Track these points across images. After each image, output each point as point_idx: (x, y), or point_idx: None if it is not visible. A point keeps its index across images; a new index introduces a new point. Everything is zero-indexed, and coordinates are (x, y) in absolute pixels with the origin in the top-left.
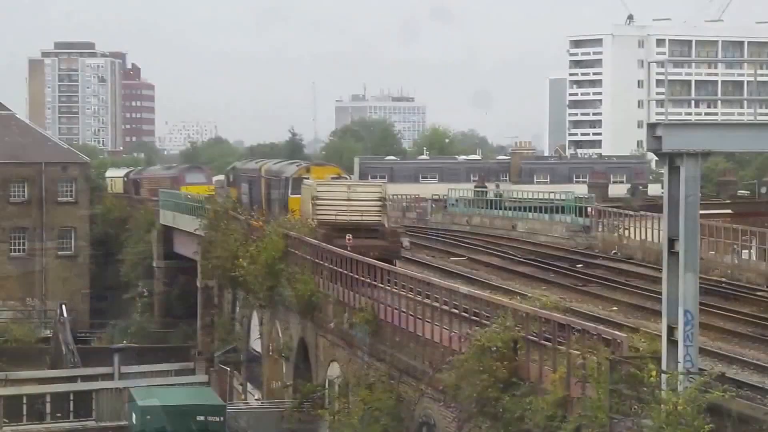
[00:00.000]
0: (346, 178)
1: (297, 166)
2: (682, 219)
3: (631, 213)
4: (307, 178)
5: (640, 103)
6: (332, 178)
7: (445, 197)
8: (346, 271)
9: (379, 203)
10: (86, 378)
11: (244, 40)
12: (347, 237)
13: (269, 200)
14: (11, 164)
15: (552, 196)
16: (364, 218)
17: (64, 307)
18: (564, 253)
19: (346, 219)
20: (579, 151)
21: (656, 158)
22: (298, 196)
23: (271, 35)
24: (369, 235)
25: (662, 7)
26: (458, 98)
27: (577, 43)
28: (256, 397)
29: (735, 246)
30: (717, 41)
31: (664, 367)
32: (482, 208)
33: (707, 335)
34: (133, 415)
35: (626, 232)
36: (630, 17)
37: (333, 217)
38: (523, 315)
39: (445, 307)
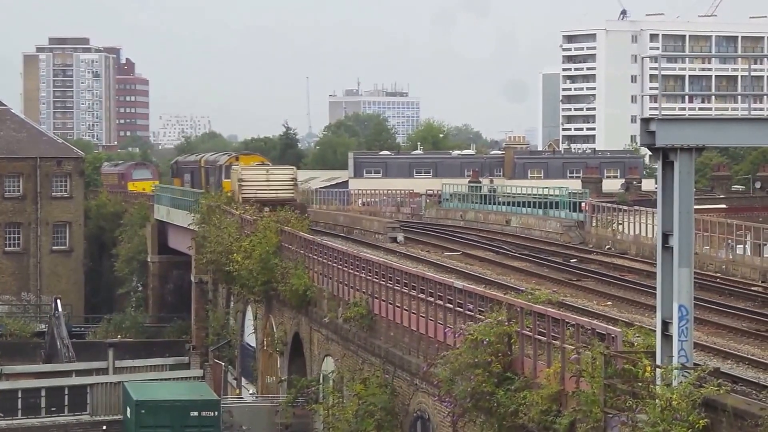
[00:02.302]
0: (268, 164)
1: (228, 155)
2: (677, 214)
3: (625, 208)
4: (237, 165)
5: (633, 98)
6: (257, 165)
7: (439, 192)
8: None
9: (291, 183)
10: (81, 372)
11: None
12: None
13: (208, 185)
14: (6, 159)
15: (546, 191)
16: (279, 195)
17: (58, 301)
18: (558, 248)
19: (265, 196)
20: (573, 146)
21: (650, 153)
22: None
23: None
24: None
25: (655, 2)
26: (453, 93)
27: (570, 38)
28: (250, 392)
29: (729, 241)
30: (710, 36)
31: (658, 361)
32: (476, 203)
33: (702, 330)
34: (128, 410)
35: (620, 227)
36: (623, 12)
37: (254, 195)
38: (517, 309)
39: (440, 302)
